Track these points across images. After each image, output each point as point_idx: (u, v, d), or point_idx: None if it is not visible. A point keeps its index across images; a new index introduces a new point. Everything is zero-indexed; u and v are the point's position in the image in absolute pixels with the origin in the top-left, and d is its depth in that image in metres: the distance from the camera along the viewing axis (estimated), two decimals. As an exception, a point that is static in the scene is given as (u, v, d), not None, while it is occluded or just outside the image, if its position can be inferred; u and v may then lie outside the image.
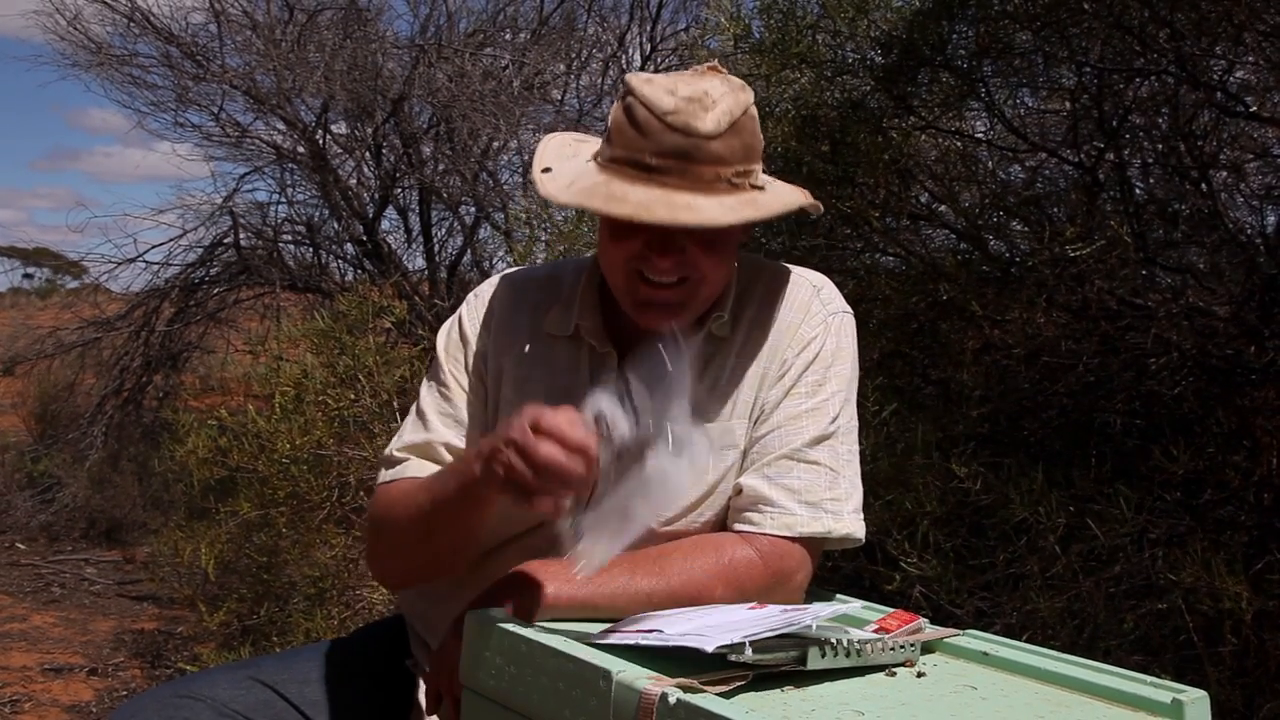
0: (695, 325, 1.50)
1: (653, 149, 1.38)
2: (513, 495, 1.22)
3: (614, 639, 1.18)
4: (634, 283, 1.45)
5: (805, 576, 1.45)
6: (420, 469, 1.54)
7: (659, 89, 1.39)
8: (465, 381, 1.59)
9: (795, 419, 1.47)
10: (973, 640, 1.24)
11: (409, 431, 1.59)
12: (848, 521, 1.46)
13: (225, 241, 7.07)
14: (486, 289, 1.64)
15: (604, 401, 1.22)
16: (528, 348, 1.56)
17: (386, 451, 1.59)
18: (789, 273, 1.58)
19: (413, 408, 1.62)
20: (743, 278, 1.56)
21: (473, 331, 1.60)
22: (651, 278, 1.43)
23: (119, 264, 7.10)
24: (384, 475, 1.57)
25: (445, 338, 1.63)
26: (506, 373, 1.56)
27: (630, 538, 1.23)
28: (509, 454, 1.20)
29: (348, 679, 1.61)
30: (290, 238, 7.22)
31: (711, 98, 1.38)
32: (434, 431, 1.57)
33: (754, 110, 1.44)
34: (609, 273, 1.49)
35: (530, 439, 1.18)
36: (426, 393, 1.61)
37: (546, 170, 1.47)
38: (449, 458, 1.54)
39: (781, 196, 1.45)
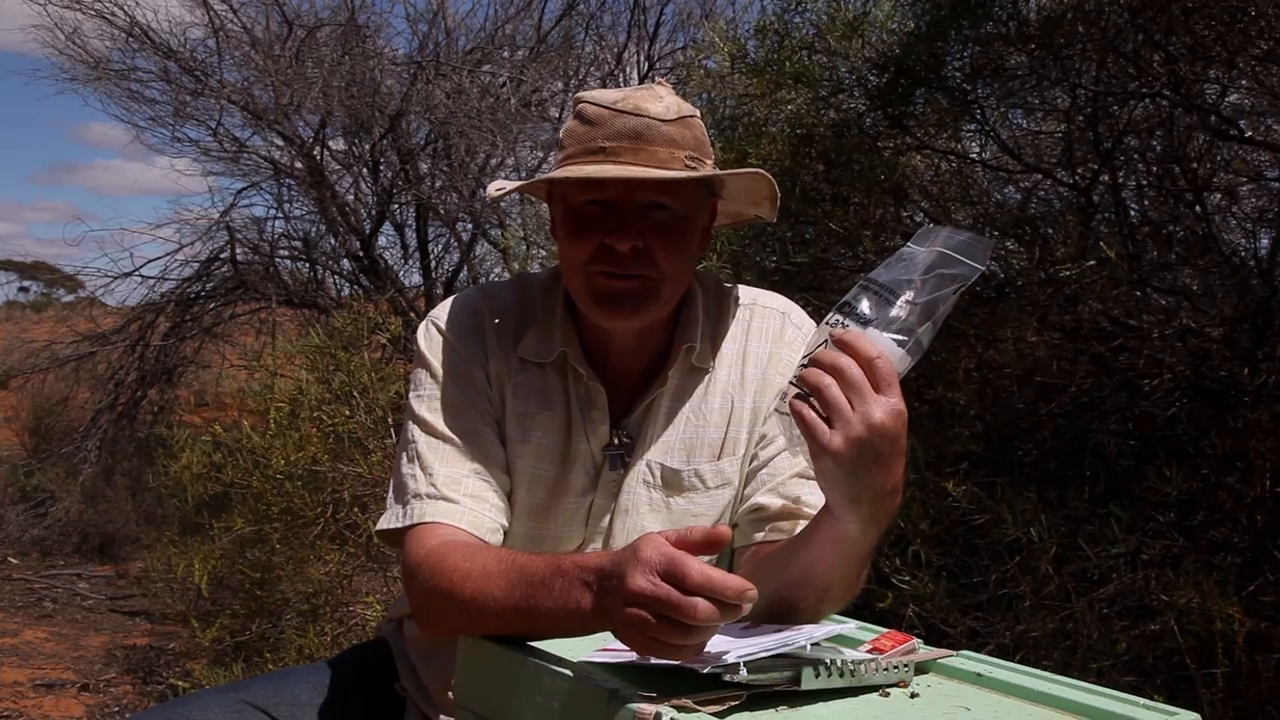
0: (668, 356, 1.51)
1: (605, 134, 1.39)
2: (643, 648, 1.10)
3: (608, 657, 1.18)
4: (593, 278, 1.42)
5: None
6: (473, 510, 1.42)
7: (606, 91, 1.44)
8: (477, 403, 1.48)
9: None
10: (966, 661, 1.25)
11: (444, 463, 1.45)
12: None
13: (222, 256, 7.09)
14: (454, 308, 1.54)
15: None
16: (516, 375, 1.50)
17: (420, 489, 1.43)
18: (751, 299, 1.58)
19: (414, 437, 1.48)
20: (708, 302, 1.55)
21: (467, 351, 1.50)
22: (611, 270, 1.40)
23: (115, 278, 7.14)
24: (427, 513, 1.41)
25: (437, 357, 1.51)
26: (508, 405, 1.49)
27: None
28: (656, 629, 1.06)
29: (338, 701, 1.61)
30: (287, 253, 7.25)
31: (658, 94, 1.43)
32: (474, 461, 1.45)
33: (702, 124, 1.47)
34: (568, 274, 1.46)
35: (683, 604, 1.03)
36: (438, 418, 1.47)
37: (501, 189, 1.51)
38: (500, 488, 1.46)
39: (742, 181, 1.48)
